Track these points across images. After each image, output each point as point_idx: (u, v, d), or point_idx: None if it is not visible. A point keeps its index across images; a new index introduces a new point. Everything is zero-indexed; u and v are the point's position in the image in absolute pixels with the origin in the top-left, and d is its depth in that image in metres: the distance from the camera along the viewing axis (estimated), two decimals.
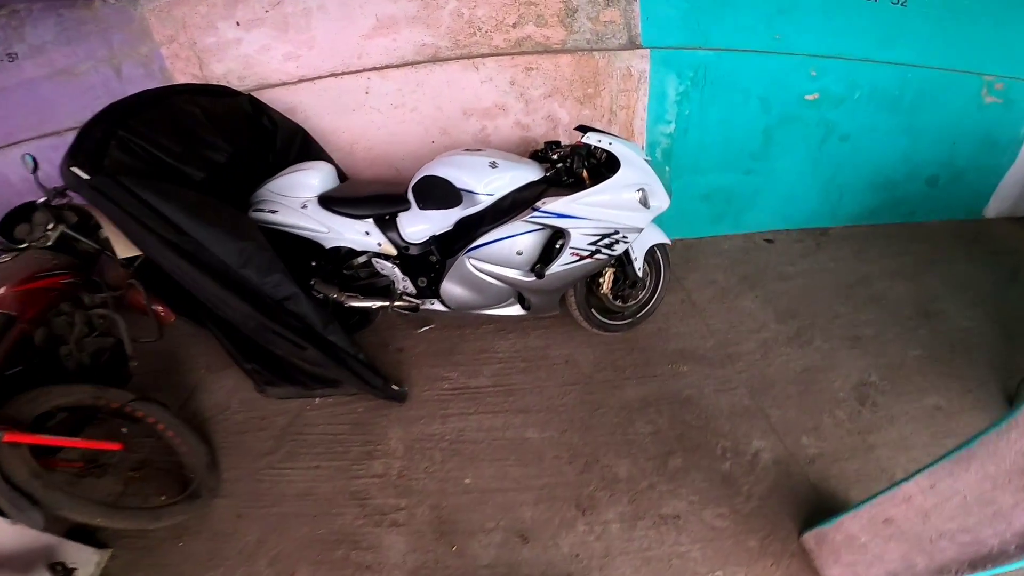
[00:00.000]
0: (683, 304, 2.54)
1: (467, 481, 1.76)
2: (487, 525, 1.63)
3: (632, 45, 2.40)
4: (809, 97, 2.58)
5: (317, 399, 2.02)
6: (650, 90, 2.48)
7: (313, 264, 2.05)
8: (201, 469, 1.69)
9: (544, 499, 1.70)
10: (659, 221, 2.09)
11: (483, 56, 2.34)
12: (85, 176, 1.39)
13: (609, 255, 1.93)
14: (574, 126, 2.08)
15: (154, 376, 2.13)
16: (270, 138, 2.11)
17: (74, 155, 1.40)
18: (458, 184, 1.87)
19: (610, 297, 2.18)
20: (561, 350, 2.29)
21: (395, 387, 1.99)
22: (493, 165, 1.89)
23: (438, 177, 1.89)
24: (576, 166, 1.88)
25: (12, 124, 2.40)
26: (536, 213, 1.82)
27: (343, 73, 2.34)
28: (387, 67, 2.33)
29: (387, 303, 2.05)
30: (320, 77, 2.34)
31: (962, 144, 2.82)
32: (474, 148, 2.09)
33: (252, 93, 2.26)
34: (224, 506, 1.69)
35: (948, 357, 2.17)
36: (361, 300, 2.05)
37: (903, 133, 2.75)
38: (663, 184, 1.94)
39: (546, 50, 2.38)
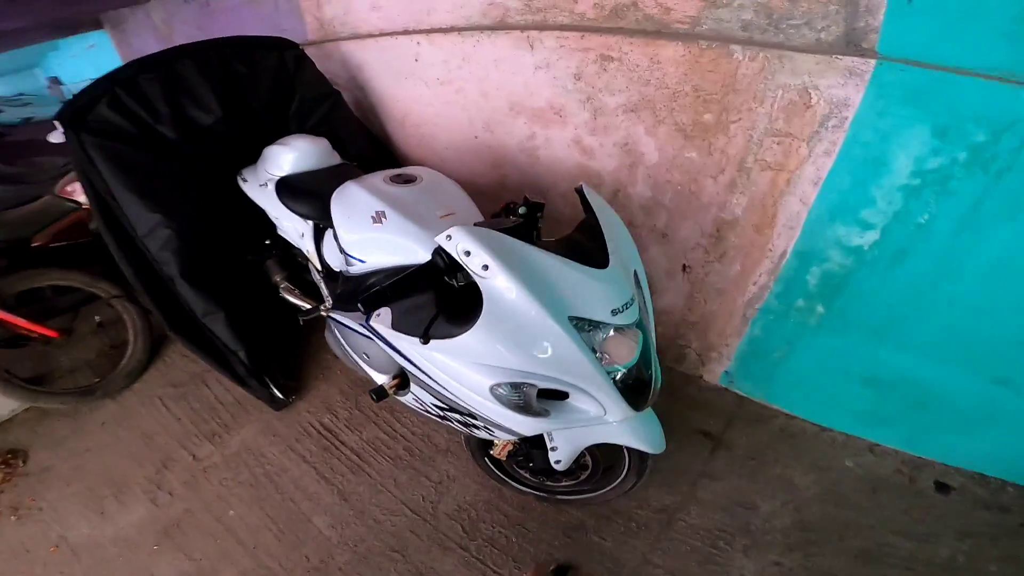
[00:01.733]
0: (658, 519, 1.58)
1: (231, 512, 1.68)
2: (195, 555, 1.60)
3: (848, 46, 1.09)
4: None
5: None
6: (847, 147, 1.15)
7: (267, 243, 1.91)
8: (122, 375, 2.03)
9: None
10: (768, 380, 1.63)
11: (547, 29, 1.47)
12: (60, 130, 1.53)
13: (468, 432, 1.11)
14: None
15: None
16: (286, 102, 1.93)
17: (63, 109, 1.54)
18: (336, 227, 1.33)
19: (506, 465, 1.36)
20: (451, 468, 1.73)
21: (279, 395, 1.85)
22: (378, 219, 1.23)
23: (334, 206, 1.37)
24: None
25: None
26: (368, 323, 1.14)
27: (402, 32, 1.88)
28: (435, 30, 1.75)
29: (310, 312, 1.78)
30: (383, 34, 1.95)
31: None
32: (409, 175, 1.39)
33: (342, 42, 2.10)
34: (107, 406, 2.08)
35: None
36: (295, 296, 1.86)
37: None
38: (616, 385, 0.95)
39: (651, 31, 1.32)
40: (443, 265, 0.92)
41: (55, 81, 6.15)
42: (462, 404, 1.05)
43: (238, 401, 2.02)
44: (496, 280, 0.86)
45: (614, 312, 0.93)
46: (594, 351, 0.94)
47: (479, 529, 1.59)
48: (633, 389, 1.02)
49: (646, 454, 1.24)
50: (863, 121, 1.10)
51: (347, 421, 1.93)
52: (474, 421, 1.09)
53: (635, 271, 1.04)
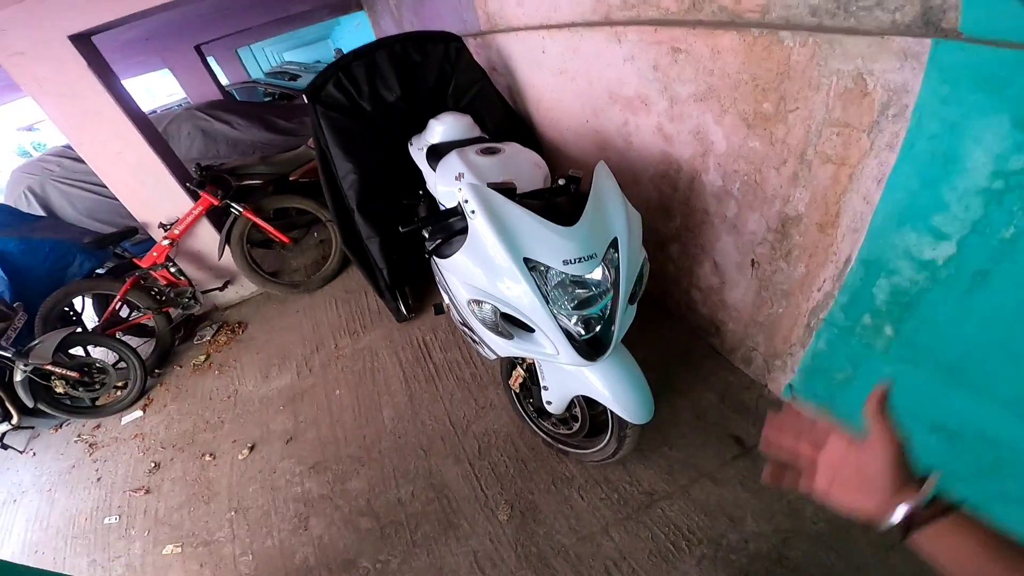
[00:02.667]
0: (639, 500, 1.62)
1: (337, 392, 2.35)
2: (299, 417, 2.32)
3: (927, 27, 0.98)
4: None
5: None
6: (910, 139, 1.04)
7: (420, 193, 2.45)
8: (320, 278, 2.92)
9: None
10: (831, 404, 1.49)
11: (628, 24, 1.60)
12: (307, 101, 2.32)
13: (479, 349, 1.40)
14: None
15: None
16: (446, 84, 2.43)
17: (308, 87, 2.32)
18: (436, 181, 1.75)
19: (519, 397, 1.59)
20: (496, 399, 2.09)
21: (404, 310, 2.43)
22: (458, 178, 1.59)
23: (439, 167, 1.79)
24: None
25: (433, 22, 3.46)
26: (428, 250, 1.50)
27: (536, 27, 2.18)
28: (555, 26, 2.00)
29: None
30: (523, 28, 2.29)
31: None
32: (496, 149, 1.69)
33: (498, 34, 2.54)
34: (304, 299, 3.01)
35: None
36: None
37: None
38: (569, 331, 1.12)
39: (726, 21, 1.35)
40: (461, 209, 1.23)
41: (339, 52, 8.67)
42: (464, 317, 1.36)
43: (378, 311, 2.73)
44: (477, 221, 1.14)
45: (565, 262, 1.11)
46: (545, 297, 1.13)
47: (490, 453, 1.88)
48: (592, 342, 1.17)
49: (626, 424, 1.35)
50: (927, 110, 0.96)
51: (441, 343, 2.43)
52: (474, 335, 1.39)
53: (615, 238, 1.16)
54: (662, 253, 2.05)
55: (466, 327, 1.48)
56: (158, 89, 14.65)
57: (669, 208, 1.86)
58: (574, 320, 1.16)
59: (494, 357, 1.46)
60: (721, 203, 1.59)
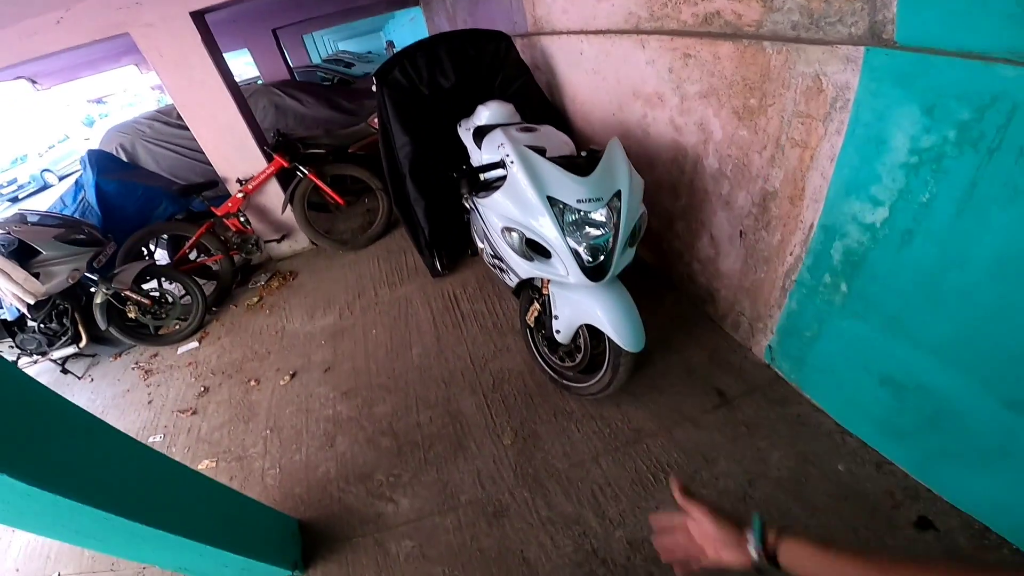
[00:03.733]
0: (628, 435, 1.78)
1: (373, 332, 2.73)
2: (338, 351, 2.70)
3: (873, 38, 1.31)
4: None
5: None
6: (851, 126, 1.34)
7: (464, 167, 2.84)
8: (366, 238, 3.34)
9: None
10: (801, 362, 1.76)
11: (652, 33, 1.94)
12: (375, 82, 2.74)
13: (504, 279, 1.75)
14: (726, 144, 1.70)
15: None
16: (494, 76, 2.82)
17: (378, 70, 2.75)
18: (482, 151, 2.12)
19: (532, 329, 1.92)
20: (513, 344, 2.37)
21: (439, 267, 2.80)
22: (502, 147, 1.96)
23: (485, 140, 2.17)
24: None
25: (485, 21, 3.88)
26: (469, 196, 1.86)
27: (577, 32, 2.56)
28: (592, 32, 2.36)
29: None
30: (565, 32, 2.67)
31: None
32: (533, 128, 2.07)
33: (543, 36, 2.92)
34: (351, 256, 3.43)
35: None
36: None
37: None
38: (585, 256, 1.47)
39: (730, 33, 1.69)
40: (503, 163, 1.60)
41: (390, 44, 9.36)
42: (496, 246, 1.71)
43: (415, 268, 3.12)
44: (514, 168, 1.51)
45: (579, 201, 1.46)
46: (562, 227, 1.47)
47: (503, 388, 2.19)
48: (596, 267, 1.50)
49: (620, 352, 1.66)
50: (862, 102, 1.25)
51: (470, 296, 2.79)
52: (502, 264, 1.74)
53: (619, 190, 1.50)
54: (670, 231, 2.36)
55: (496, 259, 1.84)
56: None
57: (677, 189, 2.18)
58: (583, 247, 1.49)
59: (517, 281, 1.80)
60: (717, 183, 1.91)
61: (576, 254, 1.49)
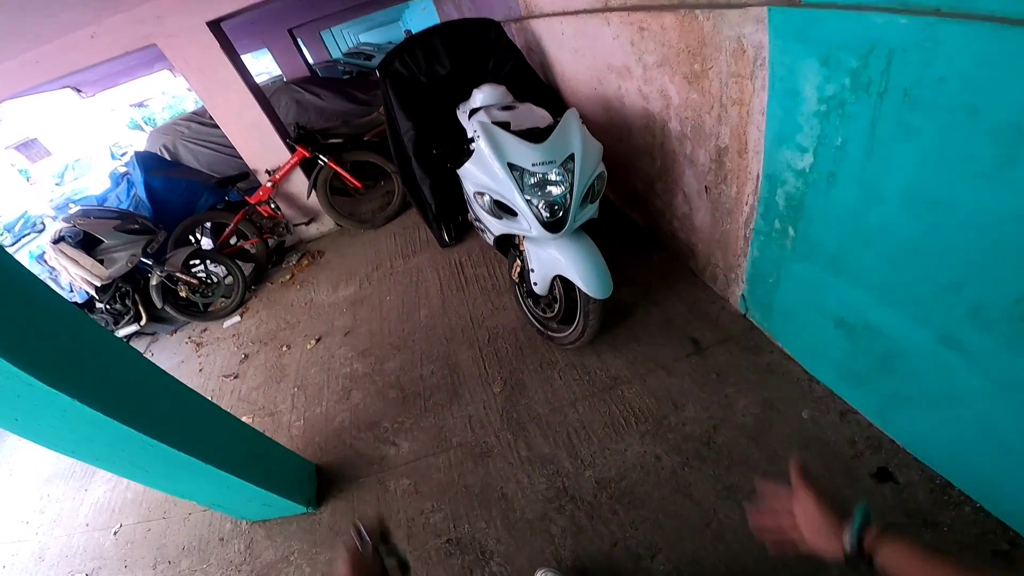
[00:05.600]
0: (604, 381, 2.01)
1: (388, 298, 3.08)
2: (357, 316, 2.95)
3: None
4: None
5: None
6: (771, 82, 1.51)
7: (464, 147, 3.10)
8: (383, 217, 3.68)
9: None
10: (770, 309, 1.83)
11: (613, 11, 2.12)
12: (379, 75, 3.02)
13: (484, 238, 2.01)
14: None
15: None
16: (486, 60, 3.04)
17: (380, 64, 3.01)
18: (468, 131, 2.38)
19: (518, 284, 2.18)
20: (508, 303, 2.63)
21: (447, 239, 3.11)
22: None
23: (471, 121, 2.42)
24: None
25: (486, 9, 4.13)
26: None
27: (558, 14, 2.73)
28: (569, 13, 2.55)
29: None
30: (549, 15, 2.85)
31: None
32: (513, 106, 2.30)
33: (533, 19, 3.12)
34: (370, 234, 3.75)
35: None
36: None
37: None
38: (543, 210, 1.71)
39: (672, 4, 1.86)
40: (472, 137, 1.86)
41: (408, 32, 9.60)
42: (475, 211, 1.97)
43: (427, 241, 3.42)
44: (480, 141, 1.77)
45: (534, 165, 1.70)
46: (522, 188, 1.72)
47: (496, 342, 2.44)
48: (554, 222, 1.73)
49: (588, 300, 1.86)
50: (775, 59, 1.40)
51: (473, 263, 3.06)
52: (481, 224, 2.01)
53: (572, 153, 1.72)
54: (651, 191, 2.54)
55: (477, 221, 2.11)
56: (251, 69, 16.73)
57: (652, 153, 2.36)
58: (540, 205, 1.73)
59: (492, 237, 2.07)
60: (682, 144, 2.09)
61: (535, 209, 1.73)
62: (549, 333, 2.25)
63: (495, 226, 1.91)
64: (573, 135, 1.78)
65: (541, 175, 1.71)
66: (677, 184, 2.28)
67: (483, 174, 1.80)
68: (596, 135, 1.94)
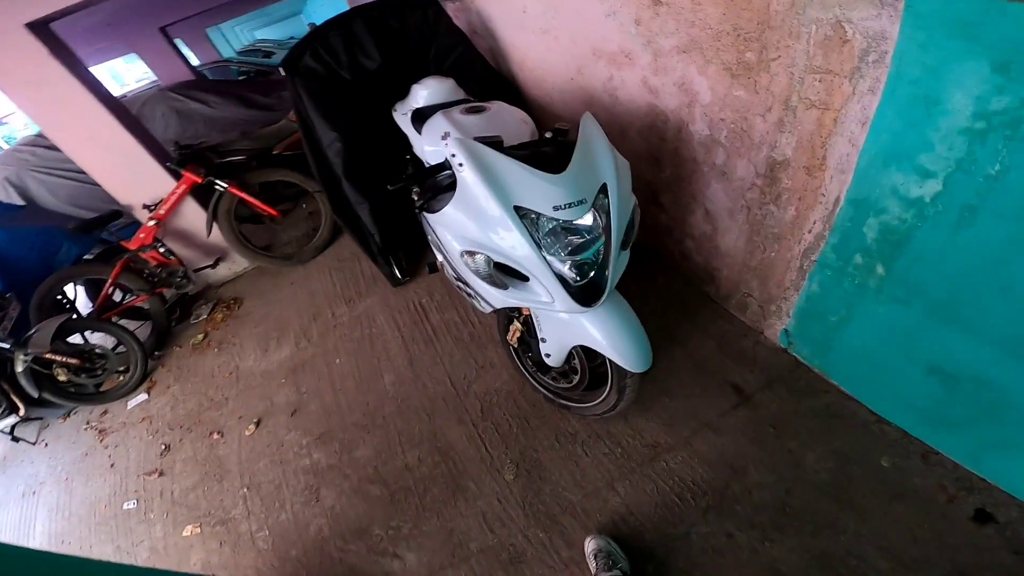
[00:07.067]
0: (643, 453, 1.61)
1: (337, 361, 2.43)
2: (302, 388, 2.40)
3: None
4: None
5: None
6: (891, 84, 1.05)
7: (407, 157, 2.43)
8: (312, 249, 2.94)
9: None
10: (827, 348, 1.56)
11: None
12: (284, 74, 2.25)
13: (473, 303, 1.44)
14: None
15: None
16: (427, 49, 2.36)
17: (284, 59, 2.25)
18: (423, 143, 1.74)
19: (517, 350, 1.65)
20: (496, 357, 2.14)
21: (398, 274, 2.50)
22: (444, 137, 1.58)
23: (425, 128, 1.78)
24: None
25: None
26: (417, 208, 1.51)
27: None
28: None
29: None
30: None
31: None
32: (481, 107, 1.68)
33: None
34: (297, 271, 3.06)
35: None
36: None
37: None
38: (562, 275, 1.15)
39: None
40: (448, 164, 1.24)
41: (312, 26, 8.34)
42: (458, 271, 1.39)
43: (372, 277, 2.76)
44: (465, 172, 1.16)
45: (555, 208, 1.13)
46: (538, 244, 1.15)
47: (493, 412, 1.93)
48: (587, 288, 1.21)
49: (625, 374, 1.39)
50: (906, 56, 0.97)
51: (438, 304, 2.46)
52: (469, 289, 1.42)
53: (604, 184, 1.18)
54: (655, 204, 2.07)
55: (461, 282, 1.51)
56: (126, 75, 14.50)
57: (659, 159, 1.87)
58: (568, 266, 1.18)
59: (490, 310, 1.49)
60: (709, 151, 1.61)
61: (560, 276, 1.18)
62: (563, 403, 1.76)
63: (495, 297, 1.34)
64: (601, 154, 1.23)
65: (562, 220, 1.15)
66: (696, 199, 1.82)
67: (473, 222, 1.21)
68: None
